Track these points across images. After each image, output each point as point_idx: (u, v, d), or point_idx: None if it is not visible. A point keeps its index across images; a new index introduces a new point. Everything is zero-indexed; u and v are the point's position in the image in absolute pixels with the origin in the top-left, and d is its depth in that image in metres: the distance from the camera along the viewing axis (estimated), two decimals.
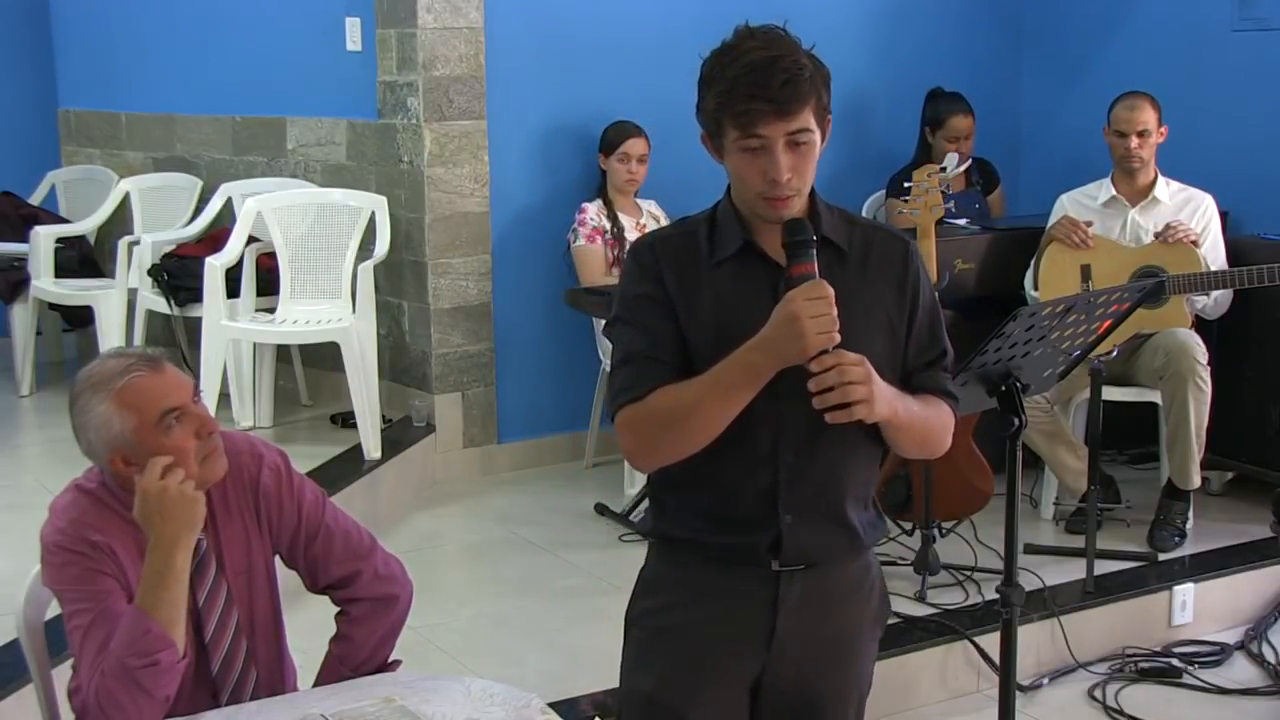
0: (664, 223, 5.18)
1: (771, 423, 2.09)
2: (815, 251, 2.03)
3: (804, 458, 2.14)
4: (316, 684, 2.48)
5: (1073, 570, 4.24)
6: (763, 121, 2.01)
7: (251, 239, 5.31)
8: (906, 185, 4.40)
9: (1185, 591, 4.22)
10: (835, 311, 1.98)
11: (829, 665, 2.25)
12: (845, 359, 1.97)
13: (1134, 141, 4.71)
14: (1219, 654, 4.11)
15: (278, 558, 2.50)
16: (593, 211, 5.27)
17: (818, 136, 2.07)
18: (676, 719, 2.21)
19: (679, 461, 2.12)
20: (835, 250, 2.13)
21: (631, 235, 5.22)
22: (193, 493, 2.26)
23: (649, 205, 5.37)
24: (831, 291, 1.98)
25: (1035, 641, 3.92)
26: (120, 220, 6.17)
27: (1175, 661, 4.06)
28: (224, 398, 5.12)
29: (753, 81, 2.01)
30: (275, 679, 2.48)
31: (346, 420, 5.22)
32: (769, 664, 2.21)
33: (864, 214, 5.72)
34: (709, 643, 2.21)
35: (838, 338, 1.98)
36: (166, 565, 2.22)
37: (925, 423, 2.17)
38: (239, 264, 5.23)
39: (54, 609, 2.37)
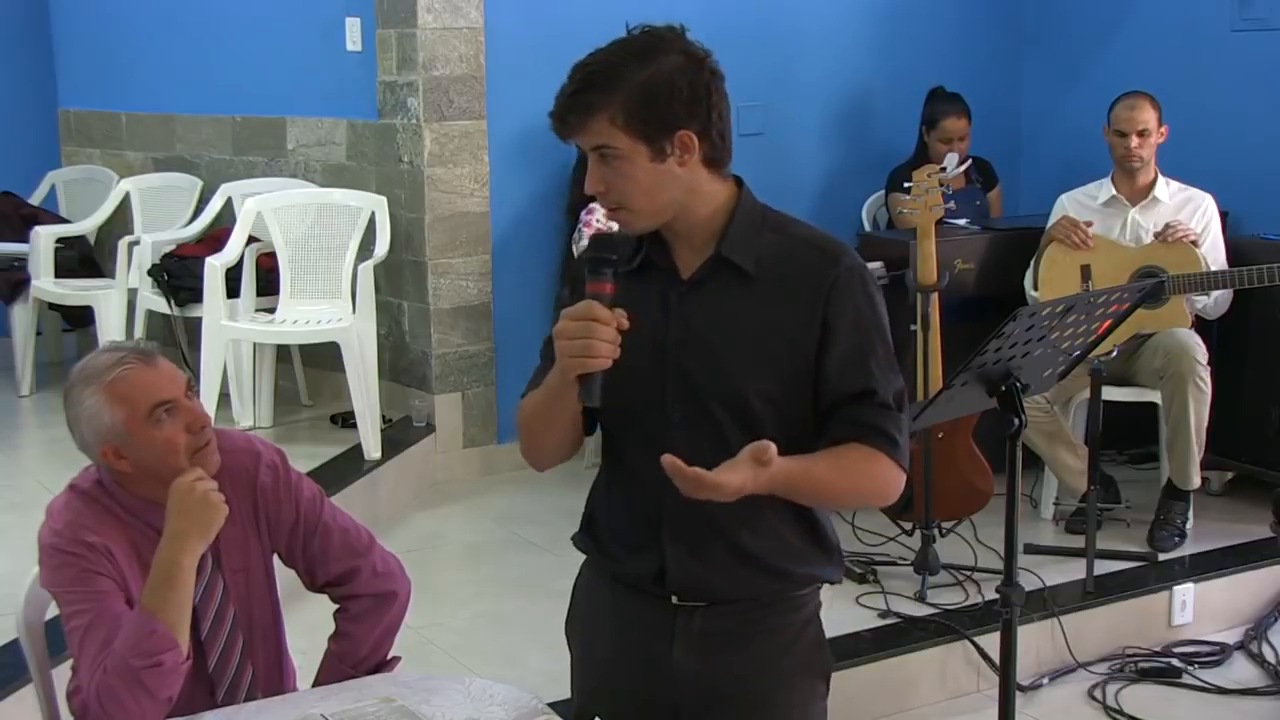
0: None
1: (655, 443, 1.97)
2: (612, 270, 1.93)
3: (670, 493, 2.01)
4: (316, 682, 2.48)
5: (1073, 570, 4.24)
6: (557, 130, 2.01)
7: (251, 239, 5.31)
8: (906, 185, 4.40)
9: (1185, 591, 4.22)
10: (601, 334, 1.87)
11: (749, 715, 2.11)
12: (683, 474, 1.84)
13: (1134, 141, 4.71)
14: (1219, 654, 4.11)
15: (276, 557, 2.50)
16: (600, 214, 5.26)
17: (635, 153, 1.93)
18: None
19: (600, 468, 2.16)
20: (735, 270, 2.00)
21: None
22: (216, 500, 2.26)
23: None
24: (600, 314, 1.88)
25: (1035, 641, 3.92)
26: (120, 220, 6.17)
27: (1175, 661, 4.06)
28: (224, 398, 5.12)
29: (560, 89, 1.98)
30: (274, 678, 2.48)
31: (346, 420, 5.22)
32: (683, 705, 2.11)
33: (864, 214, 5.75)
34: (610, 670, 2.19)
35: (596, 364, 1.88)
36: (173, 565, 2.22)
37: (829, 487, 2.00)
38: (239, 264, 5.23)
39: (54, 609, 2.37)
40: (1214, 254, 4.72)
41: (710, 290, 2.02)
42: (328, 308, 5.24)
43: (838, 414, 2.01)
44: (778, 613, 2.10)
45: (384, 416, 5.23)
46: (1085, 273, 4.48)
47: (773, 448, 1.88)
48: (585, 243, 5.23)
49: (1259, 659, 4.09)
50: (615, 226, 2.10)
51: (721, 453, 1.92)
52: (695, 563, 2.06)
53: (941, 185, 4.32)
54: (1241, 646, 4.17)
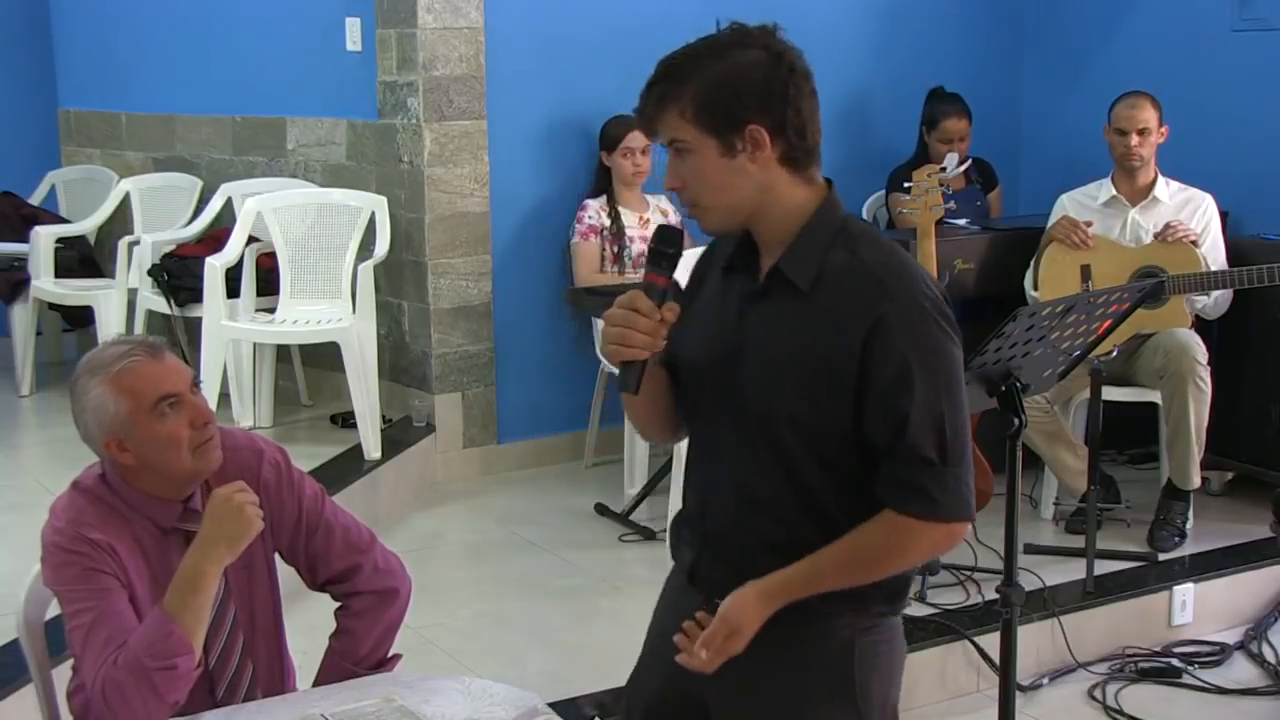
0: (673, 218, 5.18)
1: (712, 442, 2.07)
2: (672, 264, 1.94)
3: (723, 492, 2.06)
4: (317, 680, 2.48)
5: (1073, 570, 4.24)
6: (639, 123, 2.02)
7: (251, 239, 5.31)
8: (906, 185, 4.40)
9: (1185, 591, 4.22)
10: (639, 325, 1.89)
11: None
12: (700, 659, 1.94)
13: (1134, 140, 4.71)
14: (1219, 654, 4.11)
15: (278, 556, 2.50)
16: (594, 209, 5.26)
17: (705, 147, 1.93)
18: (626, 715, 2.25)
19: None
20: (792, 286, 1.96)
21: (634, 232, 5.22)
22: (252, 514, 2.27)
23: (658, 200, 5.34)
24: (642, 305, 1.90)
25: (1035, 641, 3.92)
26: (120, 220, 6.17)
27: (1175, 661, 4.06)
28: (224, 398, 5.11)
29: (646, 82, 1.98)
30: (274, 677, 2.48)
31: (346, 420, 5.22)
32: (711, 702, 2.09)
33: (864, 214, 5.75)
34: (651, 655, 2.21)
35: (631, 353, 1.91)
36: (198, 571, 2.23)
37: (847, 579, 1.96)
38: (239, 264, 5.23)
39: (55, 609, 2.37)
40: (1214, 254, 4.72)
41: (770, 303, 1.99)
42: (328, 308, 5.24)
43: (880, 469, 1.95)
44: (814, 635, 2.03)
45: (384, 416, 5.23)
46: (1085, 273, 4.48)
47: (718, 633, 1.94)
48: (576, 239, 5.27)
49: (1259, 659, 4.09)
50: (655, 222, 2.13)
51: (757, 466, 1.96)
52: (719, 569, 2.05)
53: (941, 185, 4.32)
54: (1241, 646, 4.17)
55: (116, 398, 2.27)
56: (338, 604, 2.53)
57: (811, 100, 1.97)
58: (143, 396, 2.27)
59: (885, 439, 1.92)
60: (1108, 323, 2.70)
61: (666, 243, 1.97)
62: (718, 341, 2.02)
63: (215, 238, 5.51)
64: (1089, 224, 4.73)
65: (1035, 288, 4.82)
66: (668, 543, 2.28)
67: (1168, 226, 4.66)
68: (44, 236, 5.89)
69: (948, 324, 1.94)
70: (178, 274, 5.46)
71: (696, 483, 2.13)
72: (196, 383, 2.36)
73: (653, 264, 1.95)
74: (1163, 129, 4.75)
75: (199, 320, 5.16)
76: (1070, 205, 4.89)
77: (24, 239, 5.96)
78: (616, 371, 1.99)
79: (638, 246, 5.19)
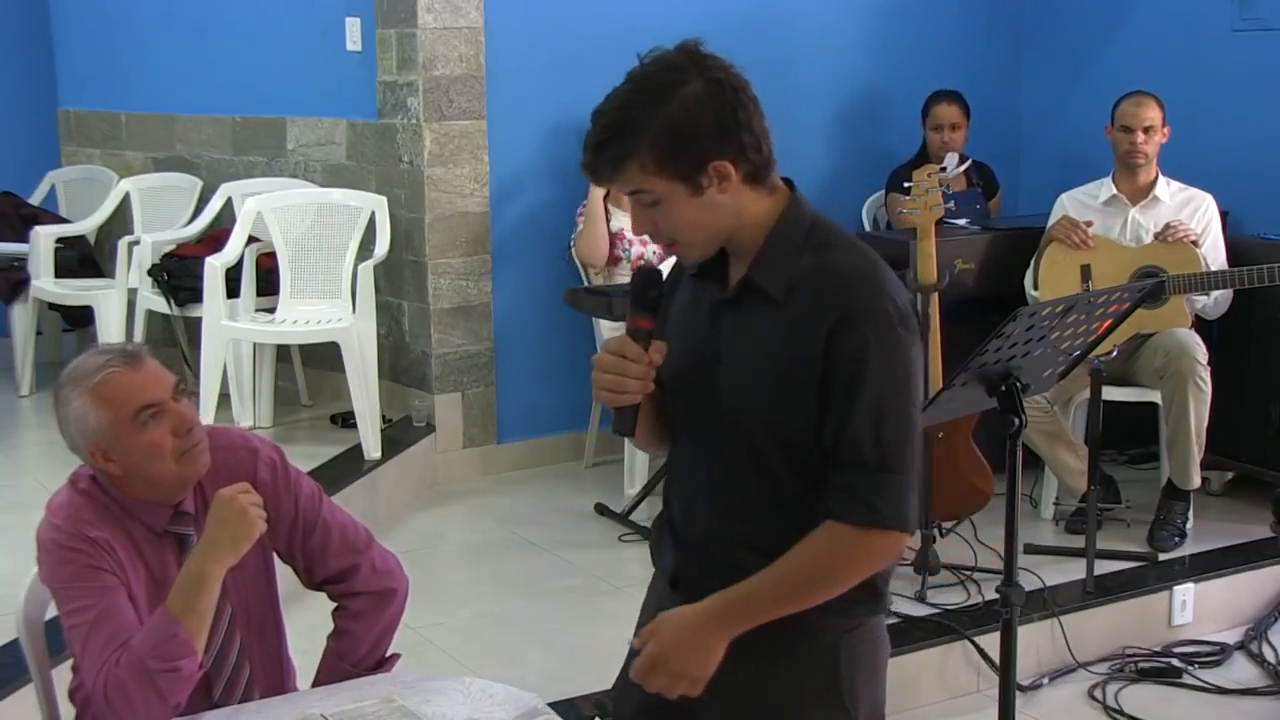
0: None
1: (692, 447, 2.07)
2: (655, 306, 1.97)
3: (703, 497, 2.06)
4: (316, 681, 2.48)
5: (1073, 570, 4.24)
6: (591, 180, 2.00)
7: (251, 239, 5.31)
8: (906, 185, 4.40)
9: (1185, 591, 4.22)
10: (630, 372, 1.93)
11: None
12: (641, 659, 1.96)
13: (1139, 137, 4.71)
14: (1219, 654, 4.11)
15: (275, 554, 2.50)
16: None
17: (672, 191, 1.90)
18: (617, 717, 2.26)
19: None
20: (766, 299, 1.95)
21: (632, 234, 5.21)
22: (254, 515, 2.26)
23: None
24: (630, 352, 1.94)
25: (1035, 641, 3.92)
26: (120, 220, 6.17)
27: (1175, 661, 4.06)
28: (224, 398, 5.11)
29: (586, 134, 1.93)
30: (274, 677, 2.47)
31: (346, 420, 5.22)
32: (707, 706, 2.04)
33: (864, 214, 5.74)
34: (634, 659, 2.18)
35: (623, 399, 1.96)
36: (201, 573, 2.22)
37: (789, 601, 1.94)
38: (239, 264, 5.23)
39: (54, 609, 2.36)
40: (1214, 254, 4.72)
41: (742, 310, 1.99)
42: (328, 308, 5.24)
43: (828, 476, 1.93)
44: (789, 637, 2.01)
45: (384, 416, 5.23)
46: (1085, 273, 4.48)
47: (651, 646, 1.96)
48: (578, 222, 5.25)
49: (1259, 659, 4.09)
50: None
51: (735, 470, 1.97)
52: (700, 571, 2.05)
53: (941, 185, 4.32)
54: (1241, 646, 4.17)
55: (97, 409, 2.26)
56: (335, 605, 2.53)
57: (759, 113, 1.94)
58: (123, 407, 2.26)
59: (830, 439, 1.92)
60: (1108, 323, 2.69)
61: (648, 284, 1.98)
62: (692, 349, 2.03)
63: (215, 238, 5.51)
64: (1089, 224, 4.73)
65: (1035, 287, 4.82)
66: (650, 546, 2.27)
67: (1168, 226, 4.66)
68: (44, 236, 5.89)
69: (908, 331, 1.93)
70: (178, 274, 5.46)
71: (677, 488, 2.14)
72: (180, 388, 2.34)
73: (635, 307, 1.97)
74: (1166, 129, 4.76)
75: (199, 320, 5.16)
76: (1070, 205, 4.89)
77: (24, 239, 5.96)
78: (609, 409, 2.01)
79: (637, 249, 5.20)
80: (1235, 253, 4.80)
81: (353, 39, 5.45)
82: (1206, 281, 4.58)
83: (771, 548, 1.96)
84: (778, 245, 1.97)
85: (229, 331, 5.07)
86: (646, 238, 2.26)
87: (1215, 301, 4.73)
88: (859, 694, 2.07)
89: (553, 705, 2.33)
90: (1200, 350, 4.55)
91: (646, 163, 1.89)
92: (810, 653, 2.04)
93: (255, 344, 5.25)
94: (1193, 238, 4.63)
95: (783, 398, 1.94)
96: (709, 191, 1.91)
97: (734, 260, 2.01)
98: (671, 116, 1.88)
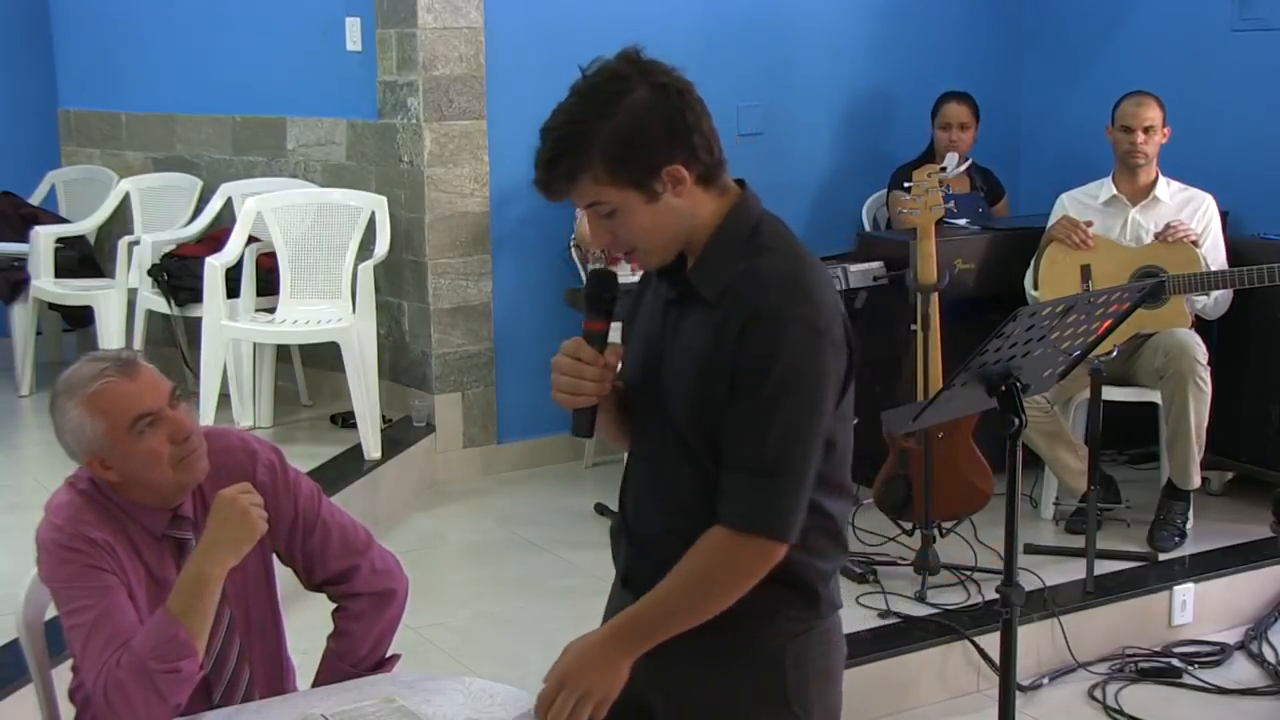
0: None
1: (643, 446, 2.09)
2: (609, 309, 2.00)
3: (651, 495, 2.06)
4: (316, 682, 2.48)
5: (1073, 570, 4.24)
6: (545, 196, 1.97)
7: (251, 239, 5.31)
8: (907, 185, 4.40)
9: (1185, 591, 4.22)
10: (586, 374, 1.98)
11: None
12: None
13: (1140, 137, 4.71)
14: (1219, 654, 4.11)
15: (275, 555, 2.50)
16: None
17: (628, 200, 1.90)
18: None
19: None
20: (702, 300, 1.95)
21: None
22: (255, 516, 2.26)
23: None
24: (585, 355, 1.98)
25: (1035, 641, 3.92)
26: (120, 220, 6.17)
27: (1175, 661, 4.06)
28: (224, 398, 5.12)
29: (536, 151, 1.93)
30: (273, 678, 2.47)
31: (346, 420, 5.22)
32: (662, 707, 2.08)
33: (864, 214, 5.75)
34: None
35: (579, 402, 2.01)
36: (202, 574, 2.22)
37: (677, 614, 1.95)
38: (239, 264, 5.23)
39: (54, 609, 2.36)
40: (1214, 254, 4.72)
41: (682, 311, 2.00)
42: (328, 308, 5.24)
43: (719, 478, 1.94)
44: (735, 642, 2.01)
45: (384, 416, 5.23)
46: (1085, 273, 4.48)
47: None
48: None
49: (1259, 659, 4.09)
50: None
51: (678, 469, 1.98)
52: (651, 568, 2.03)
53: (942, 185, 4.32)
54: (1241, 646, 4.17)
55: (93, 419, 2.26)
56: (335, 605, 2.52)
57: (706, 113, 1.94)
58: (119, 417, 2.26)
59: (725, 440, 1.92)
60: (1108, 323, 2.69)
61: (601, 287, 2.00)
62: (646, 348, 2.04)
63: (215, 238, 5.51)
64: (1089, 224, 4.73)
65: (1035, 287, 4.82)
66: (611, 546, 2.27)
67: (1168, 226, 4.66)
68: (44, 236, 5.89)
69: (823, 339, 1.90)
70: (178, 274, 5.46)
71: (631, 486, 2.15)
72: (176, 394, 2.33)
73: (591, 310, 1.99)
74: (1166, 129, 4.76)
75: (199, 320, 5.16)
76: (1070, 205, 4.89)
77: (24, 239, 5.96)
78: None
79: None
80: (1235, 253, 4.80)
81: (353, 39, 5.45)
82: (1206, 281, 4.58)
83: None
84: (719, 247, 1.96)
85: (229, 331, 5.07)
86: None
87: (1215, 301, 4.73)
88: (810, 699, 2.06)
89: None
90: (1200, 350, 4.55)
91: (600, 174, 1.89)
92: (754, 658, 2.03)
93: (255, 344, 5.25)
94: (1193, 238, 4.63)
95: (703, 398, 1.94)
96: (664, 197, 1.92)
97: (689, 256, 2.02)
98: (620, 126, 1.88)
